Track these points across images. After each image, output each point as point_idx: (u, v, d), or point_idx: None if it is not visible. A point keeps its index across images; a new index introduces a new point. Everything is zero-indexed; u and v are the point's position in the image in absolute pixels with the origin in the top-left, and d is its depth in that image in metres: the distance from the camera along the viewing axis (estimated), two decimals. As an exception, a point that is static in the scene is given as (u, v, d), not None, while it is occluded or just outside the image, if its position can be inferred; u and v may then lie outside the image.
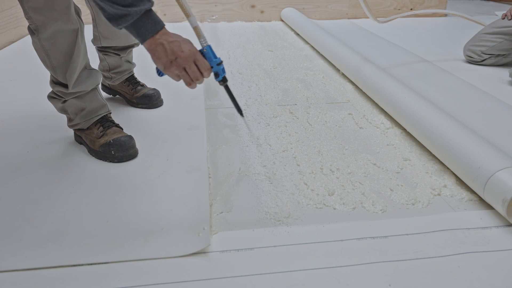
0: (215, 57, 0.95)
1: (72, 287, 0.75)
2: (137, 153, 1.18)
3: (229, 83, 1.09)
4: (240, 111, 1.13)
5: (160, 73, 0.96)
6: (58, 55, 1.08)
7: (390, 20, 2.07)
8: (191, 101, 1.58)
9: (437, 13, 3.35)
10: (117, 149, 1.14)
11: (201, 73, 0.92)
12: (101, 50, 1.43)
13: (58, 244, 0.84)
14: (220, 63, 0.97)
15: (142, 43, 0.90)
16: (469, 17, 2.06)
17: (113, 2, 0.84)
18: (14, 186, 1.05)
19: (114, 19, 0.86)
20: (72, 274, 0.78)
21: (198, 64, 0.91)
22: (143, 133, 1.31)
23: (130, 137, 1.18)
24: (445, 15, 3.40)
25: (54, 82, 1.14)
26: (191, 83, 0.93)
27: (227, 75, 1.89)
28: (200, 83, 0.94)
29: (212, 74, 0.98)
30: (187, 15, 0.95)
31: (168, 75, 0.93)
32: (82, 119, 1.18)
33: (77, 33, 1.08)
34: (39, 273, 0.78)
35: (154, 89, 1.53)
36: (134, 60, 1.54)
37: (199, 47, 0.94)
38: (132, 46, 1.47)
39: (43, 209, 0.95)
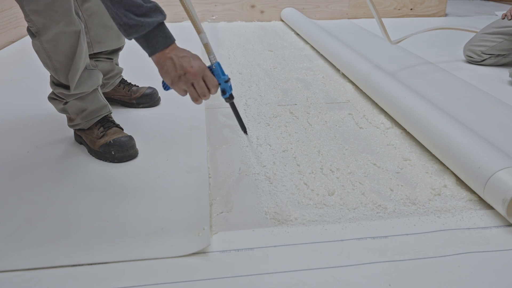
0: (223, 74, 0.96)
1: (72, 287, 0.75)
2: (137, 153, 1.18)
3: (232, 78, 1.09)
4: (244, 129, 1.14)
5: (166, 87, 0.96)
6: (60, 57, 1.07)
7: (402, 40, 2.08)
8: (191, 101, 1.58)
9: (437, 14, 3.36)
10: (117, 150, 1.14)
11: (209, 89, 0.92)
12: (92, 57, 1.40)
13: (58, 244, 0.84)
14: (228, 80, 0.97)
15: (150, 56, 0.89)
16: (469, 28, 2.06)
17: (127, 10, 0.83)
18: (14, 186, 1.05)
19: (125, 29, 0.85)
20: (72, 274, 0.78)
21: (206, 80, 0.91)
22: (143, 133, 1.31)
23: (130, 138, 1.18)
24: (446, 14, 3.40)
25: (55, 83, 1.14)
26: (197, 99, 0.93)
27: (229, 73, 1.90)
28: (207, 99, 0.94)
29: (219, 91, 0.98)
30: (199, 32, 0.96)
31: (175, 90, 0.92)
32: (83, 119, 1.18)
33: (79, 34, 1.07)
34: (39, 273, 0.78)
35: (150, 87, 1.53)
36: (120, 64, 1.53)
37: (207, 63, 0.95)
38: (120, 49, 1.45)
39: (43, 209, 0.95)
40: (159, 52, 0.88)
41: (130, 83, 1.53)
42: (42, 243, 0.85)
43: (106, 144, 1.15)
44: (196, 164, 1.14)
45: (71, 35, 1.06)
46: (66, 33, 1.05)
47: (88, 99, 1.17)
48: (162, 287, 0.75)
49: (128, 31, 0.85)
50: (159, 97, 1.55)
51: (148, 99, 1.51)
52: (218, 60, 1.00)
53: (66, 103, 1.15)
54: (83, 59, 1.11)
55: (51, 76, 1.14)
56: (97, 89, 1.19)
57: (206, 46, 0.97)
